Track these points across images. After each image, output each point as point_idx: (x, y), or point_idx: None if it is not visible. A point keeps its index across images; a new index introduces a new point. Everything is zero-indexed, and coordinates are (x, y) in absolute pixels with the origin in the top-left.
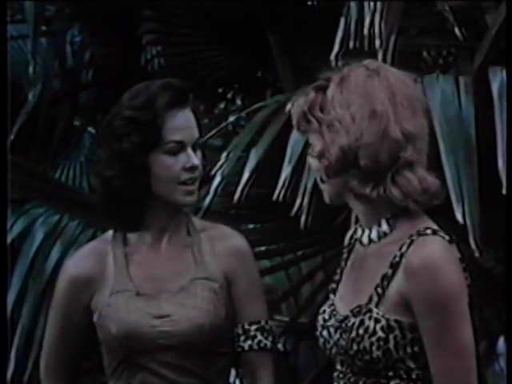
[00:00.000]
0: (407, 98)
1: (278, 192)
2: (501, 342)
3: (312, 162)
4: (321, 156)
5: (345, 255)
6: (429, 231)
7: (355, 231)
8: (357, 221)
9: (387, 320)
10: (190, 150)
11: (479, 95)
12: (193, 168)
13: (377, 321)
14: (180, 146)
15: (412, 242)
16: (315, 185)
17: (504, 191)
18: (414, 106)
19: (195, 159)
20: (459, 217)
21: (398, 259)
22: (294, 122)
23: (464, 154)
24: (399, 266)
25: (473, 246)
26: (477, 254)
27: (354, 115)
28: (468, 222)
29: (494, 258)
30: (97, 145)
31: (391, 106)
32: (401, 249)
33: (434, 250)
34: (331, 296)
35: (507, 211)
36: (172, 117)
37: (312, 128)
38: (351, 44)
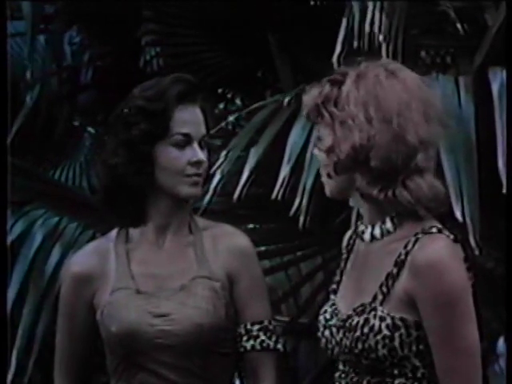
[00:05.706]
0: (423, 104)
1: (277, 191)
2: (501, 343)
3: (319, 155)
4: (330, 151)
5: (344, 256)
6: (434, 229)
7: (356, 228)
8: (357, 220)
9: (392, 318)
10: (196, 145)
11: (479, 95)
12: (198, 162)
13: (382, 319)
14: (187, 140)
15: (417, 239)
16: (314, 184)
17: (504, 190)
18: (429, 113)
19: (201, 154)
20: (458, 215)
21: (403, 257)
22: (305, 112)
23: (464, 153)
24: (404, 264)
25: (473, 244)
26: (477, 252)
27: (370, 115)
28: (468, 221)
29: (494, 259)
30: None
31: (408, 110)
32: (406, 247)
33: (439, 248)
34: (332, 296)
35: (507, 211)
36: (181, 110)
37: (324, 122)
38: (355, 44)
